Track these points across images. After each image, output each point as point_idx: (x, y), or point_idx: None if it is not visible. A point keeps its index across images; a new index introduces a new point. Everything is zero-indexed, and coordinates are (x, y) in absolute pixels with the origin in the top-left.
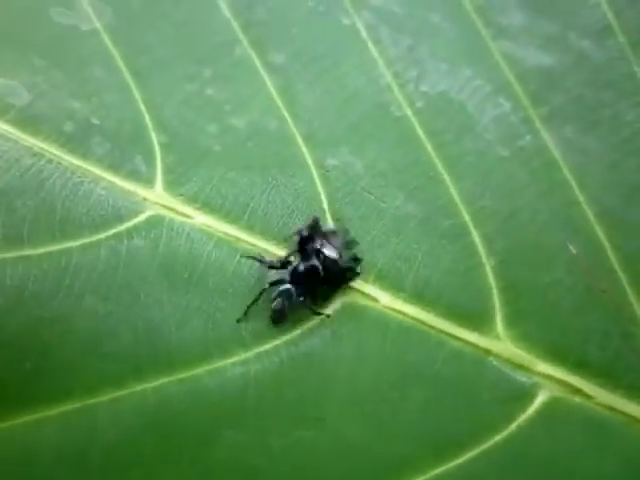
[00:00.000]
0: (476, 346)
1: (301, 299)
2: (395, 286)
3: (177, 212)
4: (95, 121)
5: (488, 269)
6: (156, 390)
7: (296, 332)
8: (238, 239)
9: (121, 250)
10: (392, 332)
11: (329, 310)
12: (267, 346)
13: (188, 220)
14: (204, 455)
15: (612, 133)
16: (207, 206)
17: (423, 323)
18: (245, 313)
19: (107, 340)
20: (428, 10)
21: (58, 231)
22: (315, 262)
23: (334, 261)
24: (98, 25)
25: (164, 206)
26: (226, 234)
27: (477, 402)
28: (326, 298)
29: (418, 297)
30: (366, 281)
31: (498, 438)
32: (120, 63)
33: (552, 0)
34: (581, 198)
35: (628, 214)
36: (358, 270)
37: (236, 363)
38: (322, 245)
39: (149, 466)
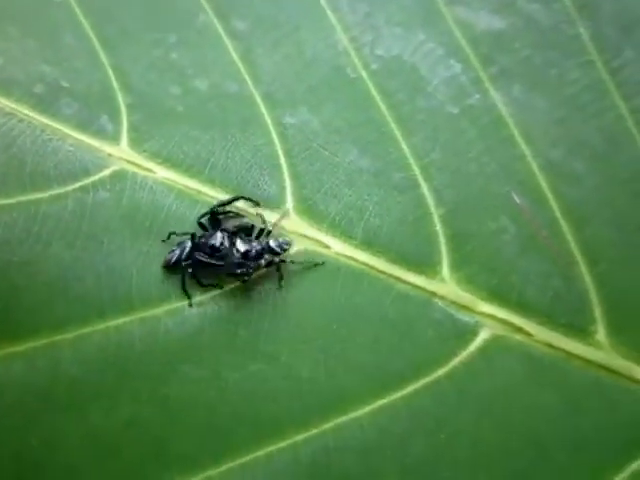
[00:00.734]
0: (423, 289)
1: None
2: (347, 234)
3: (140, 167)
4: (65, 84)
5: (436, 218)
6: (118, 329)
7: (252, 276)
8: (199, 192)
9: (87, 201)
10: (343, 276)
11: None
12: (223, 289)
13: (151, 174)
14: (162, 389)
15: (558, 91)
16: (169, 161)
17: (373, 268)
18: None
19: (72, 283)
20: None
21: (28, 183)
22: (219, 244)
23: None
24: None
25: (128, 161)
26: (187, 187)
27: (422, 340)
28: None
29: (368, 244)
30: (319, 229)
31: (441, 372)
32: (89, 31)
33: None
34: (527, 152)
35: (571, 166)
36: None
37: (194, 303)
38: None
39: (110, 400)
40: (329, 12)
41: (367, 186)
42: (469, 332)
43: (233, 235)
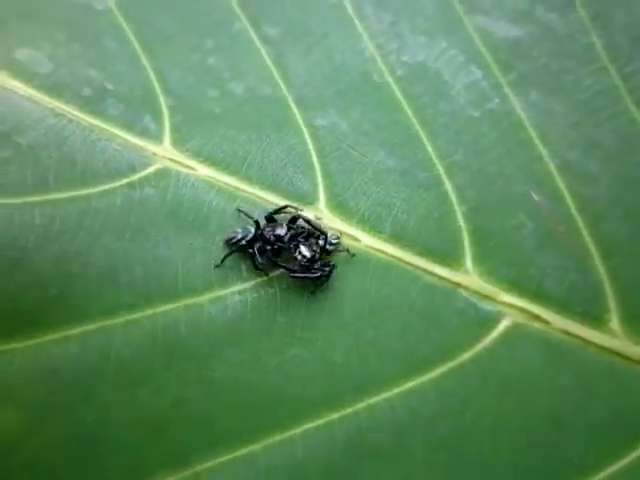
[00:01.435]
0: (448, 280)
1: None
2: (375, 228)
3: (183, 165)
4: (110, 87)
5: (459, 215)
6: (165, 314)
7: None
8: (237, 188)
9: (134, 196)
10: (373, 268)
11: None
12: (263, 278)
13: (192, 172)
14: (206, 371)
15: (573, 96)
16: (209, 160)
17: (400, 260)
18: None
19: (121, 272)
20: None
21: (79, 180)
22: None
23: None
24: (111, 4)
25: (171, 160)
26: (227, 184)
27: (447, 327)
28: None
29: (396, 238)
30: (350, 224)
31: (466, 357)
32: (131, 37)
33: None
34: (544, 153)
35: (586, 166)
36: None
37: (235, 292)
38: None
39: (157, 381)
40: (356, 21)
41: (394, 184)
42: (491, 320)
43: (293, 238)
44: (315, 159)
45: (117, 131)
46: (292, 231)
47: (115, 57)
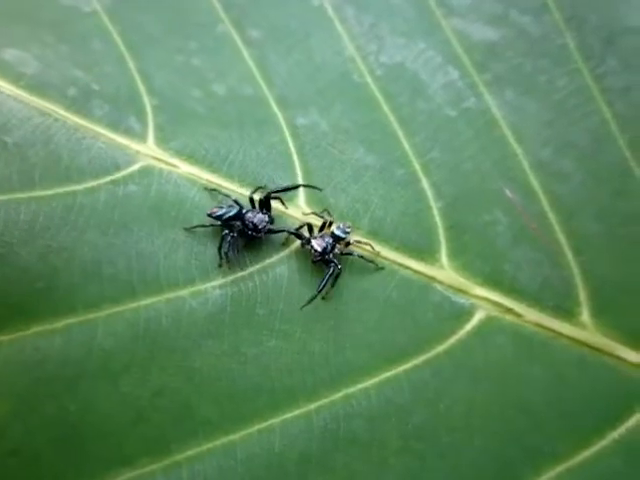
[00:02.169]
0: (423, 274)
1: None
2: (354, 224)
3: (166, 163)
4: (95, 87)
5: (435, 211)
6: (147, 307)
7: (267, 261)
8: (219, 185)
9: (118, 193)
10: (350, 262)
11: (298, 241)
12: (243, 273)
13: (175, 169)
14: (187, 362)
15: (547, 96)
16: (192, 158)
17: (378, 255)
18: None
19: (106, 266)
20: None
21: (64, 177)
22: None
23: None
24: (98, 6)
25: (155, 158)
26: (209, 181)
27: (422, 320)
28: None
29: (374, 234)
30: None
31: (440, 349)
32: (117, 38)
33: None
34: (518, 151)
35: (559, 164)
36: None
37: (216, 286)
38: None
39: (140, 372)
40: (337, 23)
41: (372, 181)
42: (465, 313)
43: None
44: (295, 157)
45: (102, 130)
46: (270, 222)
47: (101, 58)
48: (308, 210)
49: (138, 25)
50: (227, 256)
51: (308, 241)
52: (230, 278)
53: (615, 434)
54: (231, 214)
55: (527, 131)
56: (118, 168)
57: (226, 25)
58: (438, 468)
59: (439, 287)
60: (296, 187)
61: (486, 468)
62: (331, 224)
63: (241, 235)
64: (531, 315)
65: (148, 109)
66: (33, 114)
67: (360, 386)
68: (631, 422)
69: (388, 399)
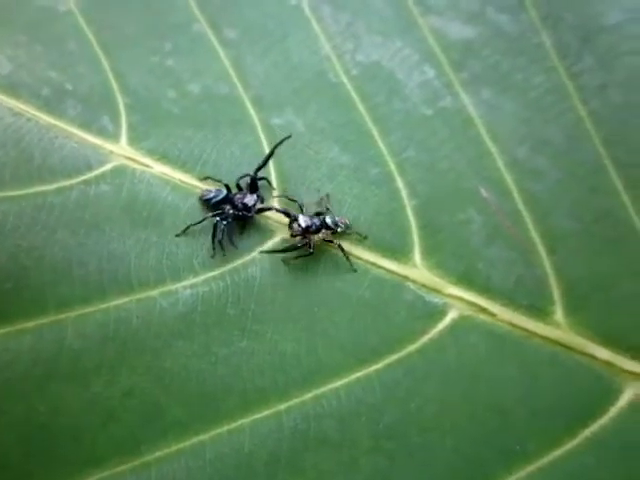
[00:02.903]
0: (396, 273)
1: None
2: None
3: (139, 162)
4: (69, 87)
5: (409, 210)
6: (118, 308)
7: (239, 261)
8: (192, 185)
9: (89, 193)
10: (324, 261)
11: (270, 242)
12: (214, 273)
13: (148, 169)
14: (157, 362)
15: (523, 94)
16: (165, 158)
17: (351, 254)
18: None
19: (76, 266)
20: None
21: (36, 176)
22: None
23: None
24: (73, 6)
25: (127, 157)
26: (181, 181)
27: (395, 319)
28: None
29: (347, 233)
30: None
31: (412, 348)
32: (92, 38)
33: None
34: (493, 150)
35: (534, 162)
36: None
37: (186, 286)
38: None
39: (110, 371)
40: (314, 22)
41: (347, 180)
42: (438, 312)
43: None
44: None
45: (75, 130)
46: (260, 200)
47: (75, 58)
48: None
49: (113, 25)
50: (221, 244)
51: (295, 218)
52: (201, 278)
53: (587, 432)
54: (220, 197)
55: (503, 130)
56: (90, 168)
57: (202, 25)
58: (408, 468)
59: (412, 286)
60: (271, 155)
61: (457, 468)
62: (324, 213)
63: (233, 218)
64: (504, 314)
65: (121, 109)
66: (5, 114)
67: (331, 386)
68: (603, 420)
69: (359, 399)
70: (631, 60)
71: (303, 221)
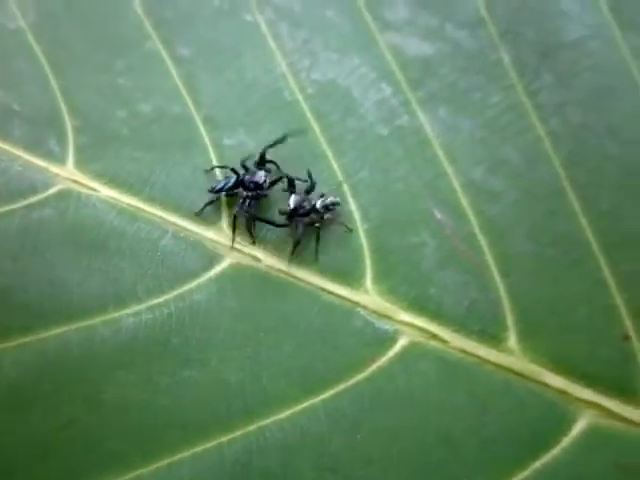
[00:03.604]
0: (347, 299)
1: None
2: (277, 248)
3: (85, 186)
4: (16, 107)
5: (362, 233)
6: (57, 337)
7: (185, 288)
8: (139, 209)
9: (33, 218)
10: (272, 287)
11: (219, 268)
12: (159, 300)
13: (95, 193)
14: (96, 394)
15: (481, 113)
16: (113, 181)
17: (300, 280)
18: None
19: (16, 293)
20: (324, 7)
21: None
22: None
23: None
24: (23, 24)
25: (74, 181)
26: (129, 205)
27: (344, 347)
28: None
29: (297, 258)
30: (251, 244)
31: (360, 376)
32: (41, 57)
33: None
34: (449, 170)
35: (490, 183)
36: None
37: (130, 314)
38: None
39: (48, 403)
40: (270, 39)
41: None
42: (388, 339)
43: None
44: (220, 178)
45: (20, 152)
46: (270, 176)
47: (24, 77)
48: (230, 234)
49: (64, 43)
50: (250, 232)
51: (293, 192)
52: (145, 305)
53: (537, 464)
54: (231, 183)
55: (459, 150)
56: (35, 192)
57: (155, 43)
58: None
59: (363, 312)
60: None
61: None
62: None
63: (250, 203)
64: (456, 341)
65: (69, 130)
66: None
67: (275, 417)
68: (555, 451)
69: (304, 430)
70: (590, 77)
71: (292, 202)
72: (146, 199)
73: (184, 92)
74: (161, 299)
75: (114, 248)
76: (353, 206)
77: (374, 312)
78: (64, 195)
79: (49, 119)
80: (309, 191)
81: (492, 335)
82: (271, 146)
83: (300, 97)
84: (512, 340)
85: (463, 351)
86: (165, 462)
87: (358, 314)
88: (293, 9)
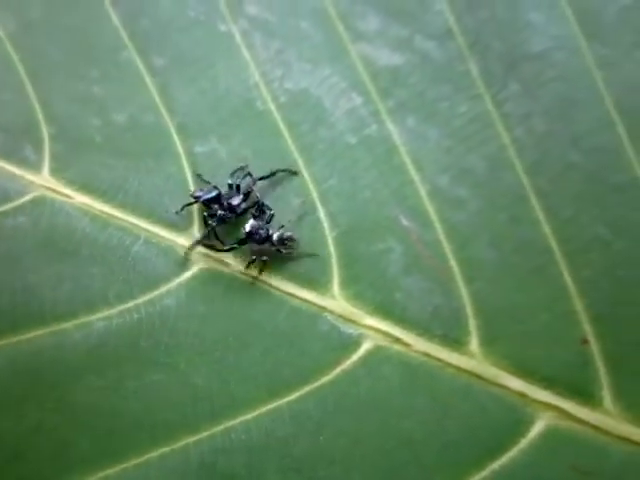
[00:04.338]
0: (313, 304)
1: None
2: (246, 254)
3: (59, 193)
4: None
5: (330, 240)
6: (29, 341)
7: (155, 293)
8: (111, 215)
9: (6, 225)
10: (240, 292)
11: (189, 273)
12: (129, 304)
13: (68, 200)
14: (67, 397)
15: (447, 123)
16: (86, 188)
17: (269, 285)
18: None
19: None
20: (298, 18)
21: None
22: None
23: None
24: (2, 33)
25: (48, 188)
26: (102, 211)
27: (309, 351)
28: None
29: (268, 264)
30: (220, 250)
31: (325, 379)
32: (18, 66)
33: (404, 6)
34: (416, 178)
35: (455, 191)
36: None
37: (100, 319)
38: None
39: (18, 408)
40: (243, 49)
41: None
42: (353, 343)
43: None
44: (192, 186)
45: None
46: (248, 203)
47: (1, 86)
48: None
49: (41, 52)
50: (203, 243)
51: (254, 217)
52: (116, 310)
53: (495, 465)
54: (210, 196)
55: (426, 158)
56: (9, 199)
57: (130, 52)
58: None
59: (329, 317)
60: (274, 174)
61: None
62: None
63: (219, 220)
64: (419, 345)
65: (45, 138)
66: None
67: (241, 419)
68: (513, 452)
69: (269, 432)
70: (555, 87)
71: (250, 226)
72: (119, 206)
73: (158, 101)
74: (131, 304)
75: (86, 254)
76: (322, 213)
77: (340, 316)
78: (38, 202)
79: (25, 126)
80: (269, 220)
81: (454, 339)
82: (262, 179)
83: (272, 106)
84: (474, 344)
85: (426, 354)
86: (132, 463)
87: (325, 319)
88: (267, 20)
